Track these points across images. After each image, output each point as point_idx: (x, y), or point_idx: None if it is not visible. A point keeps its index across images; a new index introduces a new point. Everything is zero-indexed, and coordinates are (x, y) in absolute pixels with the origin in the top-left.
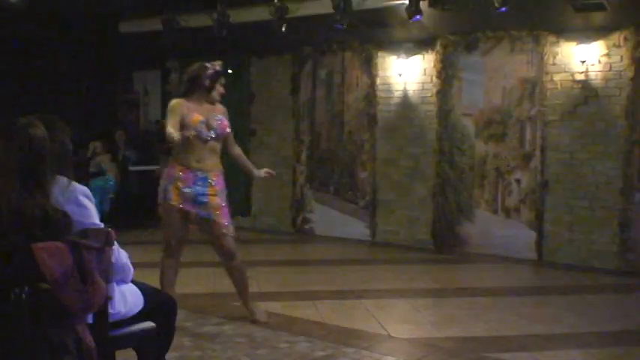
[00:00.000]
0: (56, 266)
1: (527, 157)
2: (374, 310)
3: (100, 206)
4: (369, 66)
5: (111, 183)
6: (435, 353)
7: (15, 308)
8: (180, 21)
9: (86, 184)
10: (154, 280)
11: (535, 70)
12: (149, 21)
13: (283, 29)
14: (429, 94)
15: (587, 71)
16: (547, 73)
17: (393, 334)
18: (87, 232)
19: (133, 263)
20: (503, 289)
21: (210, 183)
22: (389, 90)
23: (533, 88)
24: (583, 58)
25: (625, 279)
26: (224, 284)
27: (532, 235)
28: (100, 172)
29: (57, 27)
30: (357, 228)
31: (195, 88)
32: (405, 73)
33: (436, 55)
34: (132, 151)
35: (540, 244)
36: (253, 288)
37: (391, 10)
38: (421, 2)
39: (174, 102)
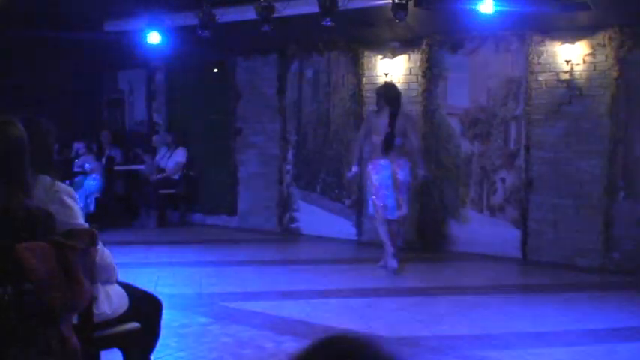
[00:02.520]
0: (40, 266)
1: (512, 156)
2: (360, 309)
3: (84, 206)
4: (355, 65)
5: (93, 183)
6: (421, 351)
7: None
8: (166, 20)
9: (70, 184)
10: (139, 280)
11: (520, 70)
12: (134, 20)
13: (269, 29)
14: (415, 94)
15: (571, 71)
16: (532, 73)
17: (379, 333)
18: (71, 232)
19: (117, 263)
20: (488, 288)
21: None
22: (375, 89)
23: (518, 87)
24: (568, 58)
25: (609, 277)
26: (210, 284)
27: (517, 233)
28: (84, 172)
29: (41, 26)
30: (343, 227)
31: None
32: (391, 73)
33: (422, 54)
34: (117, 150)
35: (525, 242)
36: (239, 288)
37: (377, 10)
38: (408, 1)
39: None
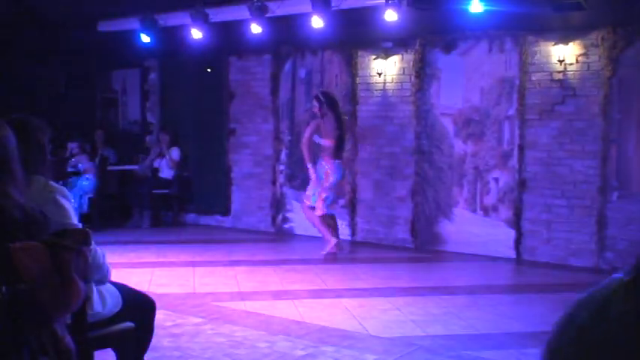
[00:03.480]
0: (34, 266)
1: (505, 156)
2: (353, 309)
3: (77, 206)
4: (348, 65)
5: (86, 183)
6: (414, 351)
7: None
8: (159, 20)
9: (64, 184)
10: (132, 280)
11: (513, 70)
12: (128, 20)
13: (263, 28)
14: (408, 94)
15: (565, 71)
16: (525, 73)
17: (372, 333)
18: (65, 232)
19: (111, 263)
20: (482, 288)
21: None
22: (368, 89)
23: (511, 87)
24: (561, 58)
25: (603, 277)
26: (203, 284)
27: (511, 233)
28: (77, 172)
29: (35, 26)
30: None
31: None
32: (385, 73)
33: (415, 54)
34: (110, 150)
35: (519, 242)
36: (232, 288)
37: (370, 10)
38: (402, 2)
39: None
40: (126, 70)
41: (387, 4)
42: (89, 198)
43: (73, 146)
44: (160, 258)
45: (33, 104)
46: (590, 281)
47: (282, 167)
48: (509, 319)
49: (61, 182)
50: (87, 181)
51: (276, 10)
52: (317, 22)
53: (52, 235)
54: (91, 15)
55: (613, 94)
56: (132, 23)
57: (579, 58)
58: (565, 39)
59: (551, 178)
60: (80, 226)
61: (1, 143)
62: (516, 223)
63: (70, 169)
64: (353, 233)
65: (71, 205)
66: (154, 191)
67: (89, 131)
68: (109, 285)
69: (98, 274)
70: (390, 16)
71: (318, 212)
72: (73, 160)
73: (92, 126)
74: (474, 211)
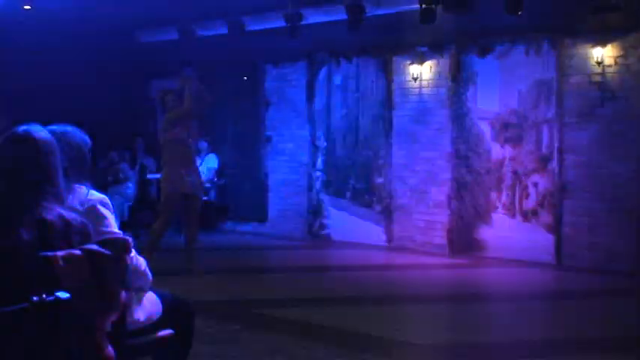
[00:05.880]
0: (74, 275)
1: (544, 160)
2: (391, 316)
3: (117, 215)
4: (384, 71)
5: (129, 191)
6: (455, 359)
7: (33, 318)
8: (197, 29)
9: (105, 193)
10: (170, 287)
11: (551, 72)
12: (167, 30)
13: (297, 36)
14: (445, 98)
15: (603, 73)
16: (563, 75)
17: (410, 341)
18: (105, 240)
19: (151, 271)
20: (521, 294)
21: None
22: (404, 94)
23: (549, 90)
24: (599, 60)
25: None
26: (242, 291)
27: (550, 238)
28: (118, 181)
29: (77, 37)
30: (373, 233)
31: None
32: (420, 77)
33: (451, 58)
34: (150, 158)
35: (559, 247)
36: (270, 294)
37: (405, 15)
38: (437, 6)
39: None
40: (165, 79)
41: (423, 9)
42: (129, 206)
43: (113, 155)
44: (199, 265)
45: (74, 113)
46: (631, 287)
47: (318, 174)
48: (549, 326)
49: (101, 191)
50: (127, 189)
51: (311, 17)
52: (352, 29)
53: (93, 243)
54: (132, 25)
55: None
56: (171, 33)
57: (618, 60)
58: (603, 41)
59: (591, 182)
60: (121, 234)
61: (44, 153)
62: (556, 228)
63: (110, 178)
64: (389, 239)
65: (112, 214)
66: None
67: (129, 140)
68: (149, 292)
69: (138, 282)
70: (425, 20)
71: None
72: (113, 168)
73: (132, 135)
74: (513, 216)
